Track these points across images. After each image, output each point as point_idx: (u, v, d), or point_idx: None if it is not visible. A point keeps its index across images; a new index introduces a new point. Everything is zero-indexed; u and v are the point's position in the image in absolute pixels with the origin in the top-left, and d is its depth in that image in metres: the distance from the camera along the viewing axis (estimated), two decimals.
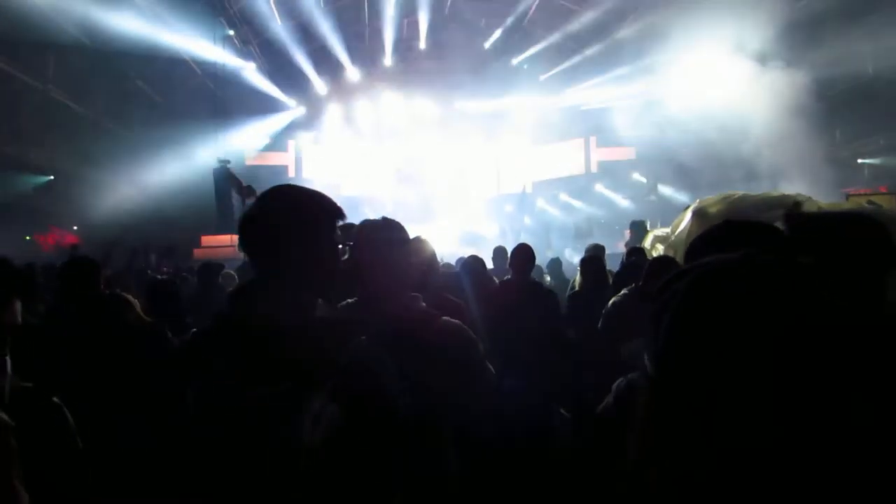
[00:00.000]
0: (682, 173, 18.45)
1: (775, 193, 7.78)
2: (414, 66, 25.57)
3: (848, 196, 11.68)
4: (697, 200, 8.07)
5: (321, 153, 26.54)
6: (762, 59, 15.33)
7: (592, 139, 25.90)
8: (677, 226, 7.93)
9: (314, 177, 25.59)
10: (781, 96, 14.88)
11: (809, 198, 7.32)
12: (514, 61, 25.03)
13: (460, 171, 28.02)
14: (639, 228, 10.16)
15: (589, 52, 22.84)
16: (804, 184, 11.71)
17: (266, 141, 24.52)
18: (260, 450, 1.43)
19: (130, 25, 16.09)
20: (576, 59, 23.54)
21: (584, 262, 6.06)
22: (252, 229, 1.66)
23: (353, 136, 26.71)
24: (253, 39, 20.48)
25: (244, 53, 21.28)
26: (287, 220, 1.64)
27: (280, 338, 1.51)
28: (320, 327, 1.67)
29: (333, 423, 1.52)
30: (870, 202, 9.75)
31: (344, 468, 1.52)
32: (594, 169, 25.90)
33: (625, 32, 20.36)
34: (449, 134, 27.28)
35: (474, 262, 5.60)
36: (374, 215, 2.42)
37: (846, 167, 16.69)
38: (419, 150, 28.16)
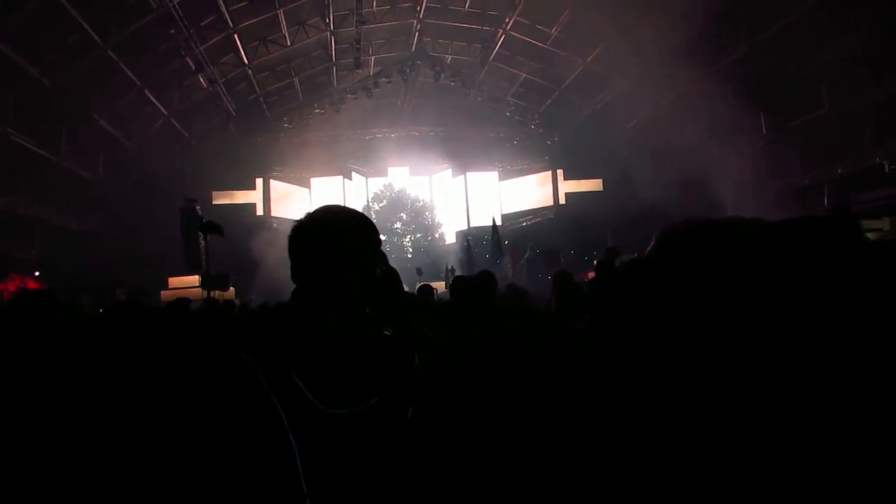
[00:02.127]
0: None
1: (734, 217, 7.95)
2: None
3: None
4: (661, 229, 8.21)
5: (289, 190, 26.49)
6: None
7: (560, 172, 26.32)
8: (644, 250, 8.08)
9: (283, 214, 25.55)
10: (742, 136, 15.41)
11: (760, 218, 7.47)
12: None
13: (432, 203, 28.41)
14: (610, 254, 10.28)
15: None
16: (764, 212, 11.95)
17: (233, 178, 24.33)
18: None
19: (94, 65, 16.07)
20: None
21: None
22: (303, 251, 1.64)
23: (321, 170, 26.78)
24: (219, 79, 20.52)
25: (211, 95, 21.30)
26: (344, 243, 1.63)
27: (351, 354, 1.54)
28: (381, 340, 1.68)
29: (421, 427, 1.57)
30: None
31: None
32: (562, 201, 26.25)
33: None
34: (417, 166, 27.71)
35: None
36: None
37: (807, 196, 17.16)
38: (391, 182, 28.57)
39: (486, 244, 24.00)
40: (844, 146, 15.79)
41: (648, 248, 7.20)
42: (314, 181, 27.34)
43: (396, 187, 29.59)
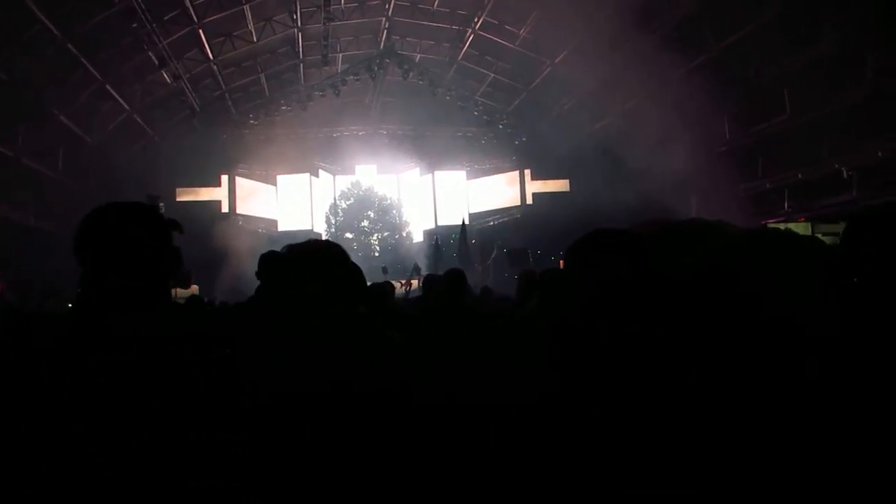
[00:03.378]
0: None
1: (696, 220, 8.09)
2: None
3: (766, 225, 12.20)
4: (627, 227, 8.32)
5: (255, 187, 26.19)
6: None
7: (527, 171, 26.49)
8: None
9: (249, 211, 25.27)
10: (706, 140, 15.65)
11: (731, 224, 7.62)
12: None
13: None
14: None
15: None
16: (726, 215, 12.18)
17: (197, 175, 23.95)
18: None
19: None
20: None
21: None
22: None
23: (287, 168, 26.54)
24: (183, 75, 20.16)
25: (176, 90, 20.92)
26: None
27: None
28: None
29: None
30: (787, 228, 10.22)
31: None
32: (529, 200, 26.40)
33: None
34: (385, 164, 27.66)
35: None
36: None
37: (769, 201, 17.56)
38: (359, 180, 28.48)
39: (454, 243, 24.06)
40: (805, 152, 16.13)
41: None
42: (280, 178, 27.07)
43: (364, 185, 29.50)
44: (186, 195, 23.51)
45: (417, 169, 28.63)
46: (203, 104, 22.86)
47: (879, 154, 14.39)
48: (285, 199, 27.03)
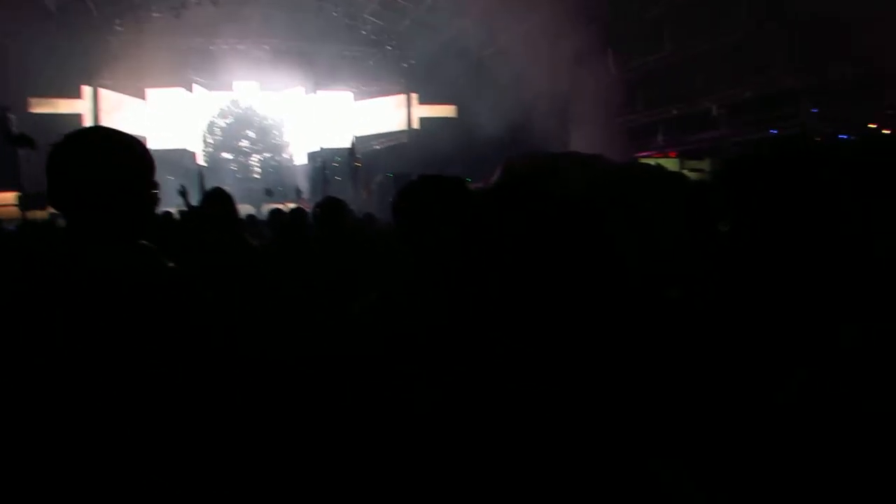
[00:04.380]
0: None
1: (575, 153, 8.31)
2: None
3: (638, 159, 12.78)
4: (508, 157, 8.43)
5: (121, 101, 24.29)
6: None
7: (414, 96, 26.13)
8: (492, 181, 8.26)
9: (115, 127, 23.43)
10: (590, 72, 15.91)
11: (607, 157, 7.87)
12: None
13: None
14: None
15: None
16: (603, 147, 12.58)
17: (54, 84, 21.82)
18: None
19: None
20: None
21: None
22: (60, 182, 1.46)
23: (158, 81, 24.74)
24: None
25: None
26: (101, 172, 1.46)
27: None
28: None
29: None
30: (657, 164, 10.71)
31: None
32: (416, 125, 26.18)
33: None
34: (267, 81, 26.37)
35: None
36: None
37: (644, 134, 18.27)
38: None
39: (339, 166, 23.54)
40: (680, 89, 16.82)
41: (494, 178, 7.26)
42: (150, 92, 25.22)
43: (243, 104, 28.02)
44: (42, 107, 21.40)
45: (302, 88, 27.49)
46: (61, 5, 20.62)
47: (747, 94, 15.24)
48: (156, 116, 25.28)
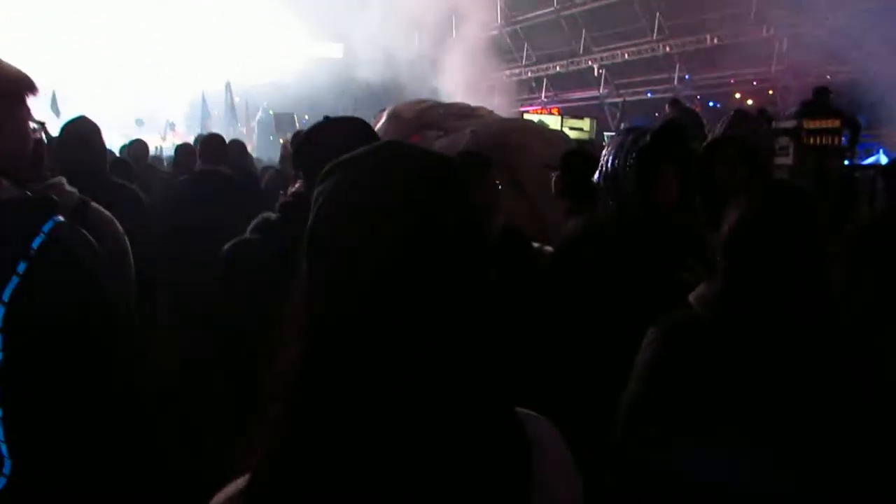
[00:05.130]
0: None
1: (462, 105, 8.28)
2: None
3: (522, 114, 13.07)
4: (395, 104, 8.27)
5: None
6: None
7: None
8: (374, 126, 8.08)
9: None
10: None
11: (492, 111, 7.93)
12: None
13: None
14: None
15: None
16: (487, 101, 12.70)
17: None
18: None
19: None
20: None
21: None
22: None
23: None
24: None
25: None
26: None
27: None
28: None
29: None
30: (540, 121, 11.00)
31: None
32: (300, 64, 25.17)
33: None
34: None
35: None
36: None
37: (528, 88, 18.58)
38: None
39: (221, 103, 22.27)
40: (564, 46, 17.18)
41: (379, 123, 7.09)
42: None
43: None
44: None
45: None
46: None
47: (626, 56, 15.83)
48: None
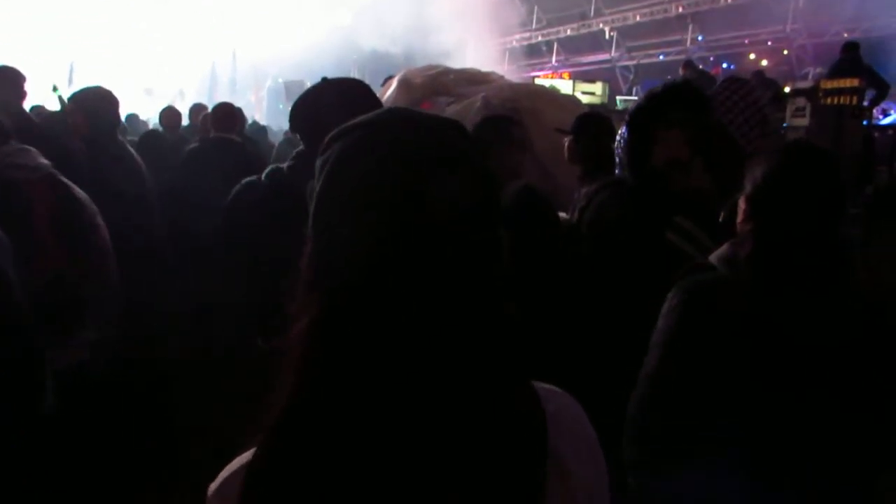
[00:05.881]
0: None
1: (473, 70, 8.17)
2: None
3: (533, 79, 12.88)
4: (405, 70, 8.17)
5: None
6: None
7: None
8: (384, 93, 7.99)
9: None
10: None
11: (502, 76, 7.83)
12: None
13: None
14: None
15: None
16: (497, 66, 12.54)
17: None
18: None
19: None
20: None
21: None
22: None
23: None
24: None
25: None
26: None
27: None
28: None
29: None
30: (551, 86, 10.85)
31: None
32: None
33: None
34: None
35: None
36: None
37: (539, 52, 18.34)
38: None
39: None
40: (575, 9, 16.88)
41: (389, 91, 7.05)
42: None
43: None
44: None
45: None
46: None
47: (638, 17, 15.55)
48: None
